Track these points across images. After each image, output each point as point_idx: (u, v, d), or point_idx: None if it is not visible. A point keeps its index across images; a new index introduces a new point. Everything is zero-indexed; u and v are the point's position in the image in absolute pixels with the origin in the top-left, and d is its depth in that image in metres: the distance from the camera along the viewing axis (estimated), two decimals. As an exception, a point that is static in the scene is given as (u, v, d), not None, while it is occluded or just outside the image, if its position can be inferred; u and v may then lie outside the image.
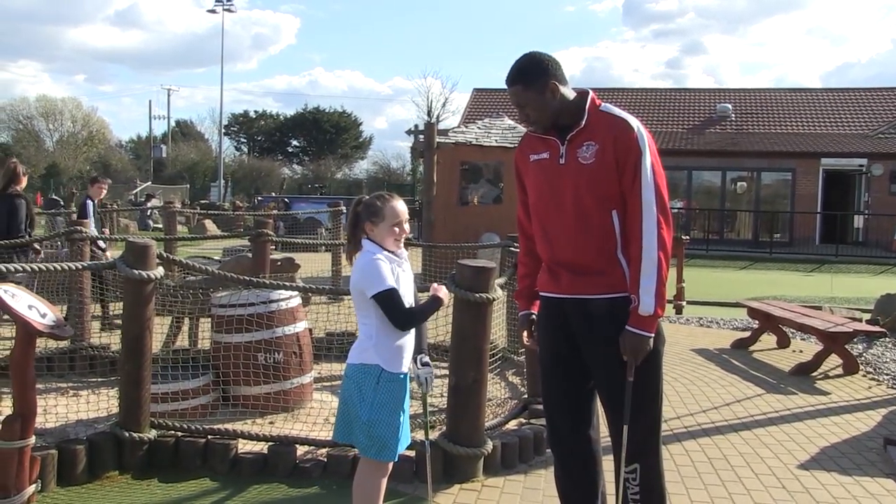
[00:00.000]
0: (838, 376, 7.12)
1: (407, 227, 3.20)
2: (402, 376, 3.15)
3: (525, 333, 3.26)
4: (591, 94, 2.98)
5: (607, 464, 3.16)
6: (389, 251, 3.16)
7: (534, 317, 3.23)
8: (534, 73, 2.92)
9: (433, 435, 4.38)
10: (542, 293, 3.15)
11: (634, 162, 2.84)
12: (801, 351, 8.17)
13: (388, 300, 3.04)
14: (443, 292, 3.26)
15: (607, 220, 2.89)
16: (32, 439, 3.67)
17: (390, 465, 3.25)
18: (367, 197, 3.26)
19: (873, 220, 25.43)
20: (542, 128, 2.99)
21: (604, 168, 2.87)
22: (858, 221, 26.51)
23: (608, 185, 2.87)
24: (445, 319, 4.58)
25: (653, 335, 2.86)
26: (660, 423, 3.07)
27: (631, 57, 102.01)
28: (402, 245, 3.21)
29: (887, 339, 8.54)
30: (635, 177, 2.84)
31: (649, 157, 2.85)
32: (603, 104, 2.98)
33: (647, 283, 2.81)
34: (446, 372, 4.48)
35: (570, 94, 2.97)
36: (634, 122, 2.90)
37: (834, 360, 7.32)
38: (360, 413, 3.08)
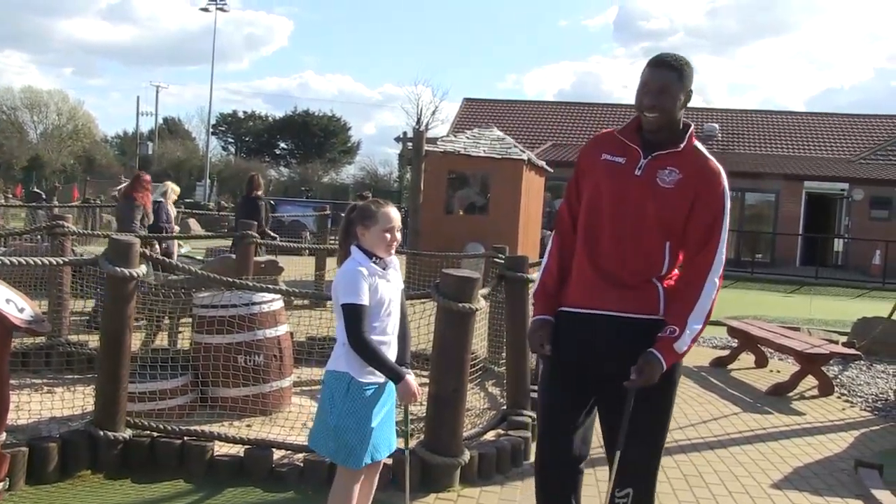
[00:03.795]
0: (814, 397, 7.18)
1: (399, 234, 3.20)
2: (374, 385, 3.13)
3: (543, 340, 2.97)
4: (692, 126, 2.95)
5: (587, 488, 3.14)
6: (379, 258, 3.15)
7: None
8: (690, 74, 2.89)
9: (411, 443, 4.37)
10: (564, 308, 3.00)
11: (715, 215, 2.84)
12: (778, 371, 8.23)
13: (352, 315, 3.04)
14: (412, 387, 3.14)
15: (660, 248, 2.86)
16: (3, 436, 3.63)
17: (362, 474, 3.24)
18: (361, 202, 3.27)
19: (853, 245, 25.68)
20: (654, 124, 2.87)
21: (679, 200, 2.83)
22: (839, 245, 26.77)
23: (675, 216, 2.84)
24: (427, 328, 4.59)
25: (665, 370, 2.82)
26: (662, 451, 3.04)
27: (621, 73, 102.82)
28: (392, 252, 3.21)
29: (862, 363, 8.62)
30: (713, 231, 2.84)
31: (728, 216, 2.87)
32: (696, 141, 2.94)
33: (693, 325, 2.82)
34: (426, 381, 4.48)
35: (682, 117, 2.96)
36: (723, 173, 2.89)
37: (810, 381, 7.38)
38: (330, 419, 3.10)
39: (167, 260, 5.12)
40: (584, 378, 2.97)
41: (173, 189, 10.72)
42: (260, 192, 10.85)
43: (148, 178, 9.50)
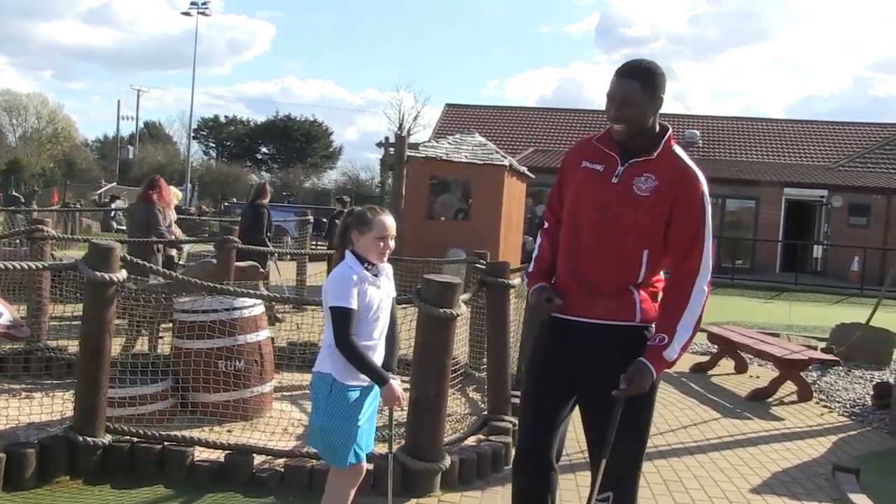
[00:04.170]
0: (793, 403, 7.24)
1: (392, 243, 3.24)
2: (358, 387, 3.17)
3: (550, 297, 2.94)
4: (671, 131, 2.94)
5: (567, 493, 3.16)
6: (371, 264, 3.20)
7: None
8: (655, 80, 2.86)
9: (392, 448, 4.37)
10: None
11: (697, 220, 2.83)
12: (757, 377, 8.30)
13: (340, 318, 3.11)
14: (396, 391, 3.17)
15: (637, 255, 2.87)
16: (-17, 441, 3.60)
17: (357, 475, 3.28)
18: (359, 208, 3.32)
19: (832, 251, 25.98)
20: (624, 134, 2.88)
21: (656, 207, 2.82)
22: (818, 251, 27.06)
23: (654, 225, 2.84)
24: (409, 333, 4.59)
25: (655, 378, 2.85)
26: (642, 456, 3.05)
27: (602, 79, 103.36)
28: (385, 259, 3.25)
29: (840, 368, 8.71)
30: (697, 237, 2.83)
31: (710, 219, 2.86)
32: (675, 145, 2.93)
33: (682, 333, 2.83)
34: (408, 386, 4.48)
35: (657, 123, 2.93)
36: (702, 178, 2.87)
37: (789, 387, 7.45)
38: (315, 419, 3.19)
39: (146, 264, 5.08)
40: (564, 383, 2.98)
41: (175, 194, 10.70)
42: (265, 201, 10.87)
43: (161, 179, 9.46)
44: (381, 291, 3.22)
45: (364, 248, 3.20)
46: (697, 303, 2.86)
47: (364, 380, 3.17)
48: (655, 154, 2.87)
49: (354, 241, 3.22)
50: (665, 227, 2.85)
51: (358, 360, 3.11)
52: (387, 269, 3.30)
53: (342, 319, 3.10)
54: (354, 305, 3.11)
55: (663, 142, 2.89)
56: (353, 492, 3.30)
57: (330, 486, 3.29)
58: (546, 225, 3.13)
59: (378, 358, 3.22)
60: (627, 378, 2.81)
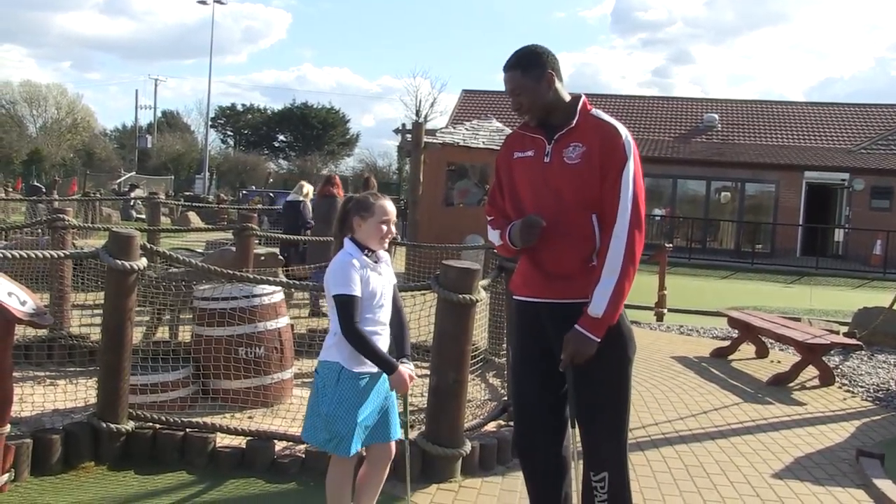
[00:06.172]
0: (815, 387, 7.18)
1: (394, 228, 3.24)
2: (367, 374, 3.16)
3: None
4: (584, 97, 3.01)
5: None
6: (371, 251, 3.19)
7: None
8: (534, 61, 2.96)
9: (412, 434, 4.38)
10: (515, 297, 3.14)
11: (618, 168, 2.85)
12: (779, 361, 8.24)
13: (344, 305, 3.09)
14: (404, 377, 3.15)
15: (587, 222, 2.90)
16: (7, 428, 3.64)
17: (354, 462, 3.27)
18: (359, 194, 3.30)
19: (853, 234, 25.70)
20: (534, 119, 3.00)
21: (588, 170, 2.88)
22: (839, 235, 26.79)
23: (591, 187, 2.88)
24: (428, 319, 4.59)
25: (598, 340, 2.82)
26: (627, 431, 3.05)
27: (619, 64, 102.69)
28: (385, 245, 3.25)
29: (863, 353, 8.63)
30: (616, 182, 2.85)
31: (633, 166, 2.87)
32: (593, 109, 3.00)
33: (604, 286, 2.82)
34: (427, 372, 4.48)
35: (565, 94, 3.01)
36: (623, 129, 2.92)
37: (811, 372, 7.39)
38: (322, 407, 3.15)
39: (166, 251, 5.10)
40: (546, 364, 3.00)
41: (309, 188, 10.89)
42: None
43: (336, 176, 9.86)
44: (382, 278, 3.22)
45: (366, 234, 3.19)
46: (617, 252, 2.83)
47: (372, 367, 3.16)
48: (574, 122, 2.95)
49: (356, 227, 3.20)
50: (602, 187, 2.89)
51: (365, 347, 3.10)
52: (385, 256, 3.30)
53: (347, 307, 3.08)
54: (358, 292, 3.10)
55: (579, 108, 2.97)
56: (349, 478, 3.29)
57: (332, 476, 3.27)
58: (490, 218, 3.18)
59: (384, 344, 3.21)
60: (564, 345, 2.85)
